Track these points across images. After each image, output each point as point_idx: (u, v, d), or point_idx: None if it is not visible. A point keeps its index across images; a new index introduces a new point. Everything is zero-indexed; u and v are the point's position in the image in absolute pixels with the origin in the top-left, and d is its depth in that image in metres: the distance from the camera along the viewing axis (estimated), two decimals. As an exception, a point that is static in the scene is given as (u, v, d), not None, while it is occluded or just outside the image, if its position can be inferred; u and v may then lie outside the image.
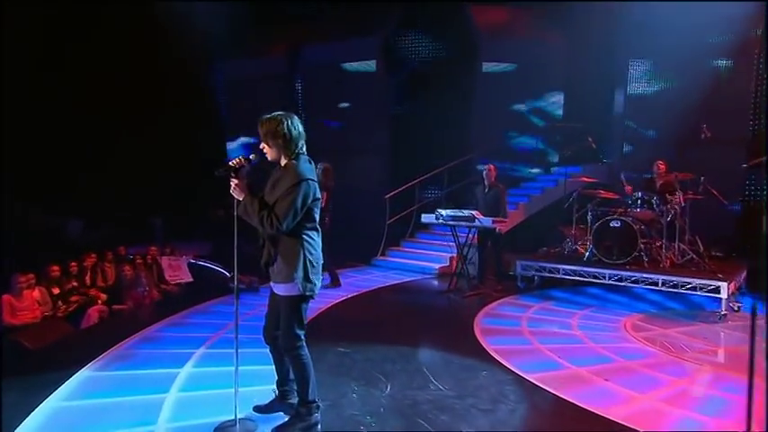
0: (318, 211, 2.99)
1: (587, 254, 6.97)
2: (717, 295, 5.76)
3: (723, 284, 5.59)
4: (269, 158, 2.98)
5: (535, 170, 11.28)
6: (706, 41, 7.81)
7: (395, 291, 7.52)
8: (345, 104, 11.87)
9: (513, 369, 4.14)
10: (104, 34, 10.79)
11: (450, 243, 9.25)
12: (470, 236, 7.77)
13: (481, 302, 6.61)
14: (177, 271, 8.58)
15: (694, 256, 6.36)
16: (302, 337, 2.99)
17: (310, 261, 2.91)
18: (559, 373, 4.11)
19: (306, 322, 3.03)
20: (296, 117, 2.99)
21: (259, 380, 3.82)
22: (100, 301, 7.09)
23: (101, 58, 10.88)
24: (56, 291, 6.84)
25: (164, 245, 9.03)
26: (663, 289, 6.20)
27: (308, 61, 12.31)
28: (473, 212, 6.79)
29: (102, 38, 10.80)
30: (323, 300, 6.26)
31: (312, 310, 5.97)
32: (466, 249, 7.19)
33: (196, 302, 6.29)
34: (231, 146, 13.22)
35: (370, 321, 5.76)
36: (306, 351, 3.02)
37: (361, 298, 6.88)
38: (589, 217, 7.11)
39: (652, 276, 6.10)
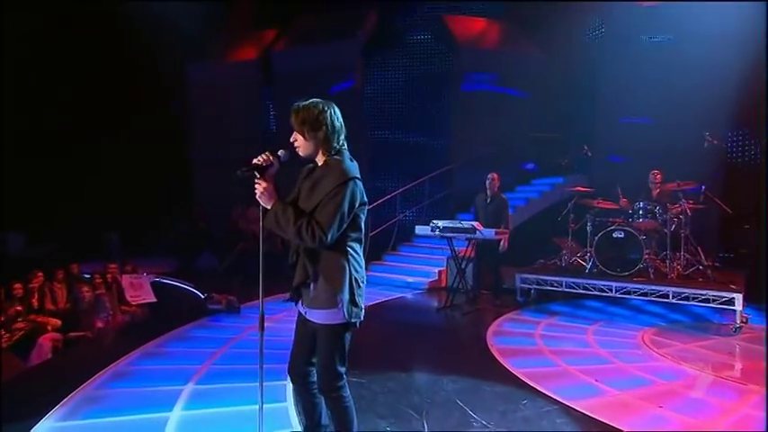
0: (364, 219, 2.46)
1: (589, 266, 6.72)
2: (731, 307, 5.60)
3: (738, 296, 5.44)
4: (302, 154, 2.43)
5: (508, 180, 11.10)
6: (690, 51, 7.83)
7: (388, 308, 6.99)
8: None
9: (552, 396, 3.72)
10: (60, 38, 9.83)
11: (435, 256, 8.93)
12: (465, 248, 7.40)
13: (483, 319, 6.22)
14: (139, 290, 7.69)
15: (700, 267, 6.22)
16: (344, 375, 2.43)
17: (356, 280, 2.37)
18: (604, 399, 3.71)
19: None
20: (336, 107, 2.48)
21: (272, 422, 3.20)
22: (50, 328, 6.15)
23: (50, 61, 9.89)
24: (-3, 318, 5.87)
25: (123, 262, 8.10)
26: (661, 300, 6.02)
27: (280, 67, 11.67)
28: (473, 224, 6.40)
29: (57, 42, 9.82)
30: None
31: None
32: (464, 263, 6.79)
33: (169, 328, 5.52)
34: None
35: (374, 344, 5.19)
36: (348, 391, 2.46)
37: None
38: (589, 228, 6.87)
39: (662, 289, 5.88)
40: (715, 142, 6.20)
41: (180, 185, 10.96)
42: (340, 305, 2.31)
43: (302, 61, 11.29)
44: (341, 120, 2.44)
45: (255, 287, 7.89)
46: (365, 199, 2.41)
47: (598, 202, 6.91)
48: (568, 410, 3.48)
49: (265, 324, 6.01)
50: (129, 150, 10.39)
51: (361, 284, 2.39)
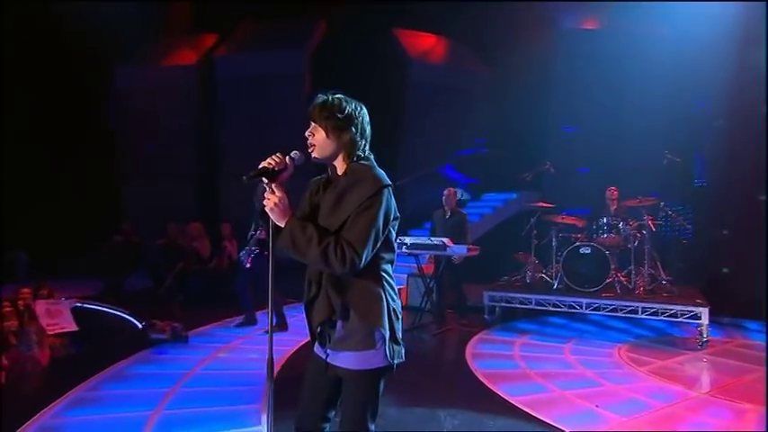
0: (395, 237, 2.03)
1: (556, 282, 6.64)
2: (692, 321, 5.69)
3: (704, 310, 5.52)
4: (317, 155, 1.96)
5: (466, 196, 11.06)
6: (641, 71, 8.16)
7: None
8: (266, 123, 10.65)
9: (560, 426, 3.45)
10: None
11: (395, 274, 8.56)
12: (426, 265, 7.13)
13: (454, 340, 5.96)
14: (57, 318, 6.59)
15: (663, 282, 6.33)
16: (374, 433, 1.95)
17: (394, 311, 1.93)
18: (613, 428, 3.49)
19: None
20: None
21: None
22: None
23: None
24: None
25: (38, 285, 6.95)
26: (621, 315, 6.05)
27: (222, 73, 10.89)
28: (444, 240, 6.11)
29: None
30: (278, 349, 5.06)
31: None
32: (431, 281, 6.49)
33: (103, 365, 4.68)
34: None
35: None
36: (377, 455, 1.98)
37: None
38: (554, 243, 6.82)
39: (631, 304, 5.89)
40: (677, 160, 6.38)
41: (108, 198, 9.81)
42: (379, 344, 1.85)
43: (247, 68, 10.64)
44: (369, 126, 2.01)
45: (200, 311, 7.02)
46: (398, 214, 1.98)
47: (562, 218, 6.88)
48: (584, 444, 3.21)
49: (218, 354, 5.31)
50: (48, 159, 9.15)
51: (399, 316, 1.95)
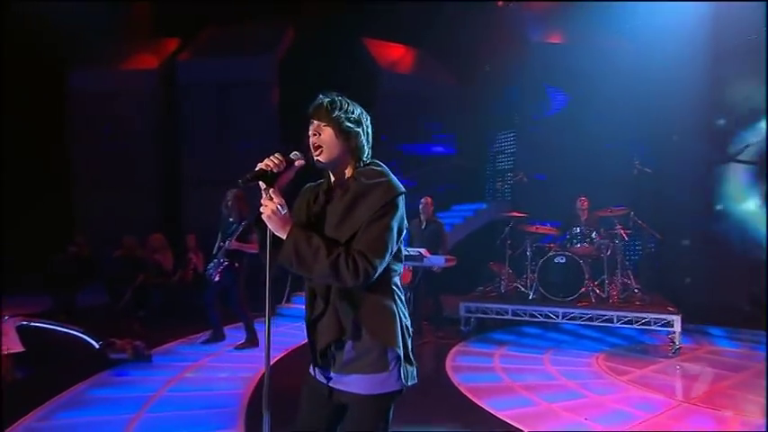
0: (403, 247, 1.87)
1: (531, 292, 6.63)
2: (663, 328, 5.78)
3: (676, 318, 5.61)
4: (322, 159, 1.78)
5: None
6: (610, 84, 8.36)
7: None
8: (231, 130, 10.30)
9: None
10: None
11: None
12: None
13: (432, 353, 5.83)
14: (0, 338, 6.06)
15: (635, 290, 6.42)
16: (387, 467, 1.77)
17: (407, 328, 1.77)
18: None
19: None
20: None
21: None
22: None
23: None
24: None
25: (-21, 302, 6.36)
26: (593, 324, 6.11)
27: (185, 78, 10.48)
28: (420, 250, 5.98)
29: None
30: (250, 366, 4.80)
31: (244, 381, 4.48)
32: (408, 293, 6.33)
33: (57, 389, 4.27)
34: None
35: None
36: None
37: (295, 360, 5.47)
38: (528, 253, 6.82)
39: (607, 313, 5.93)
40: (647, 170, 6.53)
41: (61, 207, 9.18)
42: (392, 365, 1.68)
43: (211, 74, 10.30)
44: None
45: (161, 328, 6.62)
46: (407, 224, 1.83)
47: (536, 228, 6.90)
48: (580, 459, 3.12)
49: (185, 374, 4.97)
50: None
51: (411, 334, 1.79)
